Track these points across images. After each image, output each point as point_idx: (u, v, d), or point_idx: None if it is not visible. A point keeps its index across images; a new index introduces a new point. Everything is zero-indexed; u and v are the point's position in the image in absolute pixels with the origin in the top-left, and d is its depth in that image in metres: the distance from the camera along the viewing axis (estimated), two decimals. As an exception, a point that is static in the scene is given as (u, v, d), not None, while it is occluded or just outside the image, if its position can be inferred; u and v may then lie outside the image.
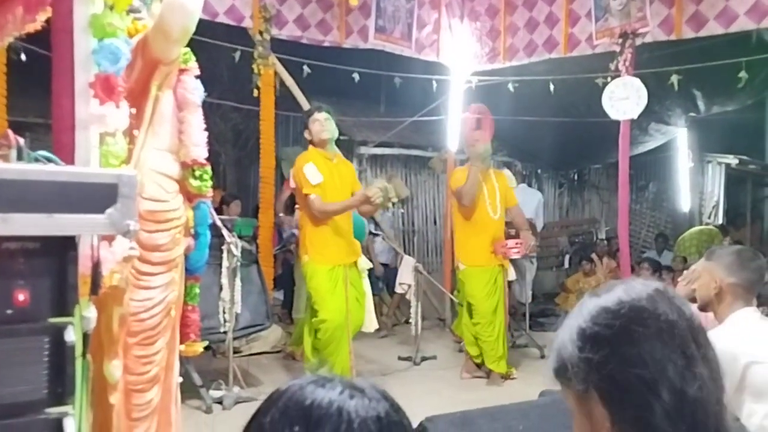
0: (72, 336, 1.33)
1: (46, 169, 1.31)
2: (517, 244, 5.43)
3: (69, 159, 1.85)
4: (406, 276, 6.42)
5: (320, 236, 4.58)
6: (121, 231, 1.30)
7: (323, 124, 4.59)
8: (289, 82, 6.17)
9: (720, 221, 10.71)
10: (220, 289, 4.54)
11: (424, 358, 5.94)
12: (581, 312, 1.04)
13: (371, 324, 4.98)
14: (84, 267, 1.65)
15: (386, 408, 0.81)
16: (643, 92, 5.62)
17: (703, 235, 9.33)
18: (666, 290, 1.02)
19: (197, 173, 2.57)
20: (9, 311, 1.32)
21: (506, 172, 5.72)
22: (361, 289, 4.77)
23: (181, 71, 2.55)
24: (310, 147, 4.69)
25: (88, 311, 1.51)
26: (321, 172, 4.52)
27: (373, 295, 6.84)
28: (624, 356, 0.96)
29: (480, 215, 5.32)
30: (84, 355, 1.51)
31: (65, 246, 1.30)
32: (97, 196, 1.28)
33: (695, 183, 10.87)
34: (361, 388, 0.81)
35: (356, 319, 4.69)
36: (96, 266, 1.59)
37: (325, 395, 0.79)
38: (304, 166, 4.53)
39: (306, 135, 4.70)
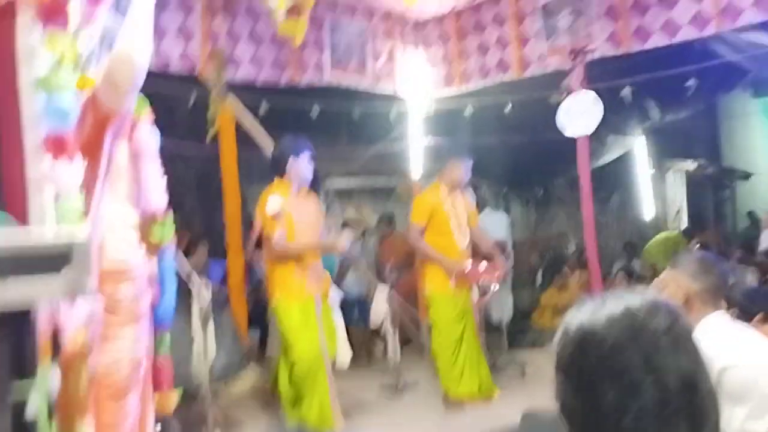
0: (34, 409, 1.28)
1: (-4, 236, 1.28)
2: (491, 268, 5.31)
3: (24, 220, 1.82)
4: (380, 306, 6.40)
5: (288, 271, 4.49)
6: (79, 292, 1.27)
7: (308, 166, 4.57)
8: (248, 122, 6.16)
9: (684, 226, 10.91)
10: (192, 335, 4.47)
11: (405, 386, 5.89)
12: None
13: (345, 357, 4.93)
14: (45, 330, 1.62)
15: None
16: (598, 106, 5.72)
17: (668, 242, 9.50)
18: (631, 310, 1.03)
19: (158, 222, 2.54)
20: (-34, 384, 1.28)
21: (468, 191, 5.69)
22: (331, 322, 4.70)
23: (135, 121, 2.53)
24: (276, 180, 4.61)
25: (51, 376, 1.47)
26: (287, 206, 4.45)
27: (350, 326, 6.81)
28: (570, 386, 1.02)
29: (447, 243, 5.24)
30: (50, 421, 1.47)
31: (21, 315, 1.26)
32: (52, 259, 1.25)
33: (657, 190, 11.07)
34: None
35: (331, 352, 4.62)
36: (57, 331, 1.55)
37: None
38: (268, 200, 4.46)
39: (280, 167, 4.57)
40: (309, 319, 4.47)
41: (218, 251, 7.75)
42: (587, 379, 1.00)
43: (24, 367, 1.31)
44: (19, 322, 1.27)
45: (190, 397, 5.13)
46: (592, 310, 1.05)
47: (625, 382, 0.97)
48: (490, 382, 5.39)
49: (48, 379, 1.45)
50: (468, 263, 5.27)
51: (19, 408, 1.28)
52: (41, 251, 1.26)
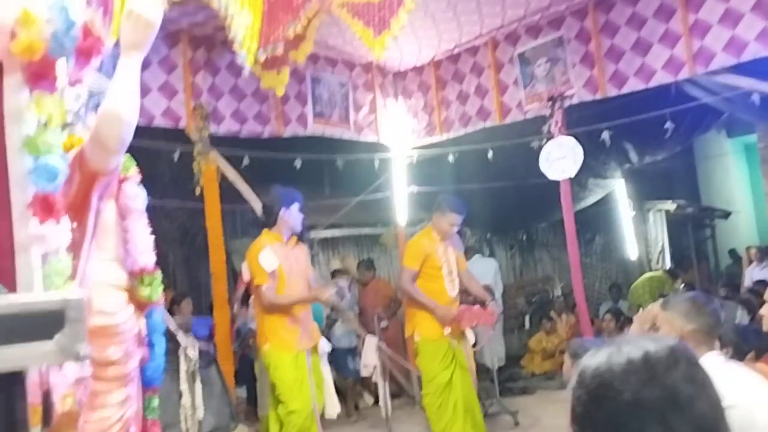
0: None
1: (-14, 302, 1.25)
2: (483, 313, 5.17)
3: (10, 284, 1.78)
4: (369, 356, 6.32)
5: (280, 322, 4.43)
6: (72, 357, 1.24)
7: (298, 217, 4.58)
8: (232, 176, 6.17)
9: (667, 266, 10.98)
10: (180, 395, 4.38)
11: (397, 440, 5.79)
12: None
13: (333, 409, 4.80)
14: (33, 396, 1.57)
15: None
16: (579, 150, 5.80)
17: (653, 282, 9.56)
18: (651, 360, 0.99)
19: (146, 281, 2.50)
20: (-47, 457, 1.23)
21: (455, 237, 5.58)
22: (320, 373, 4.62)
23: (122, 180, 2.51)
24: (265, 231, 4.60)
25: (41, 444, 1.42)
26: (277, 257, 4.42)
27: (345, 378, 6.72)
28: None
29: (438, 290, 5.13)
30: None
31: (11, 381, 1.23)
32: (44, 323, 1.22)
33: (639, 231, 11.18)
34: None
35: (318, 404, 4.51)
36: (46, 395, 1.50)
37: None
38: (259, 254, 4.42)
39: (271, 217, 4.56)
40: (301, 372, 4.40)
41: (203, 308, 7.67)
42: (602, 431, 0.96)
43: (14, 436, 1.26)
44: (11, 386, 1.23)
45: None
46: (608, 357, 1.01)
47: None
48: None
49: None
50: (459, 309, 5.14)
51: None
52: (32, 316, 1.23)
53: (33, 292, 1.74)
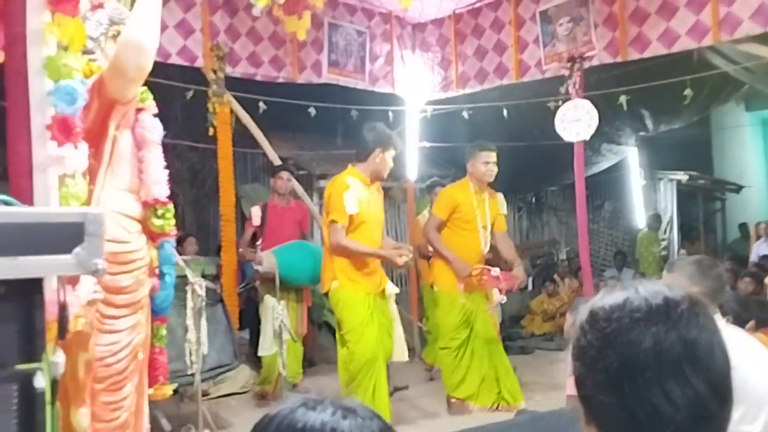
0: (41, 382, 1.28)
1: (9, 211, 1.27)
2: (510, 277, 4.95)
3: (28, 203, 1.82)
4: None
5: (351, 263, 4.29)
6: (90, 270, 1.27)
7: (389, 164, 4.43)
8: (246, 119, 6.15)
9: (675, 236, 10.99)
10: (186, 330, 4.44)
11: (396, 389, 5.88)
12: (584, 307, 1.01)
13: (402, 353, 4.66)
14: (50, 313, 1.61)
15: (380, 426, 0.80)
16: (594, 114, 5.75)
17: (643, 242, 9.75)
18: (671, 306, 0.95)
19: (159, 212, 2.54)
20: (-26, 360, 1.27)
21: (500, 196, 5.26)
22: (389, 316, 4.49)
23: (139, 110, 2.53)
24: (351, 166, 4.43)
25: (56, 356, 1.46)
26: (359, 203, 4.26)
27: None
28: (592, 380, 0.94)
29: (467, 243, 4.99)
30: (53, 402, 1.46)
31: (31, 289, 1.26)
32: (63, 236, 1.25)
33: (649, 200, 11.14)
34: (353, 409, 0.81)
35: (387, 349, 4.41)
36: (62, 310, 1.54)
37: (317, 418, 0.78)
38: (345, 193, 4.22)
39: (364, 153, 4.37)
40: (368, 316, 4.29)
41: (210, 249, 7.75)
42: (615, 377, 0.92)
43: (32, 348, 1.31)
44: (31, 294, 1.27)
45: (179, 395, 5.10)
46: (626, 300, 0.95)
47: (660, 391, 0.89)
48: (516, 389, 5.15)
49: (53, 359, 1.45)
50: (480, 268, 4.96)
51: (28, 379, 1.28)
52: (52, 228, 1.26)
53: (52, 207, 1.77)
